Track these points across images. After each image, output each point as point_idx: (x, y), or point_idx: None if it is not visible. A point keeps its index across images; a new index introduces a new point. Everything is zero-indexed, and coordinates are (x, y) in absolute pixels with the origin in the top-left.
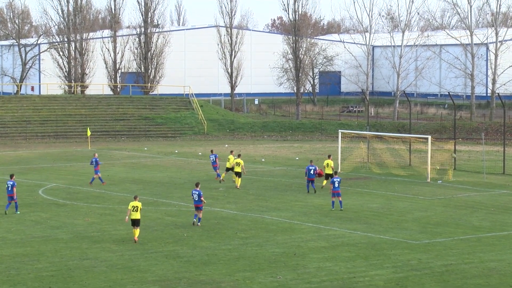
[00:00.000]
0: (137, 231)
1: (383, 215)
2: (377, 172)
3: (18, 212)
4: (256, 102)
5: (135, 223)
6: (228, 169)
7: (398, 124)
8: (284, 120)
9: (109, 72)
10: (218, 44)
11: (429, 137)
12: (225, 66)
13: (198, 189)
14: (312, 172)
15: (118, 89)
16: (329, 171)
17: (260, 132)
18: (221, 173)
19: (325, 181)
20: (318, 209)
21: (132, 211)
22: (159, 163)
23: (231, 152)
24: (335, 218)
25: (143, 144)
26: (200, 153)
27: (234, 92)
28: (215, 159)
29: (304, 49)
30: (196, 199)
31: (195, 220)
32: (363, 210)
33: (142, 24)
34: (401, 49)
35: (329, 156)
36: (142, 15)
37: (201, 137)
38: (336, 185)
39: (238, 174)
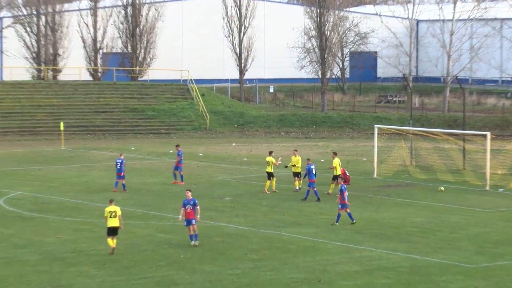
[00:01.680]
0: (114, 242)
1: (430, 231)
2: (422, 178)
3: None
4: (271, 90)
5: (114, 231)
6: (269, 175)
7: (448, 117)
8: (306, 112)
9: (88, 53)
10: (223, 18)
11: (488, 134)
12: (233, 45)
13: (190, 197)
14: (314, 172)
15: (99, 74)
16: (337, 172)
17: (276, 127)
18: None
19: (332, 185)
20: (348, 223)
21: (110, 217)
22: (150, 166)
23: (270, 153)
24: (370, 235)
25: (130, 142)
26: (201, 154)
27: (244, 77)
28: (181, 159)
29: (331, 24)
30: (189, 210)
31: (193, 242)
32: (404, 225)
33: None
34: (452, 24)
35: (334, 154)
36: None
37: (202, 133)
38: (339, 193)
39: (269, 175)
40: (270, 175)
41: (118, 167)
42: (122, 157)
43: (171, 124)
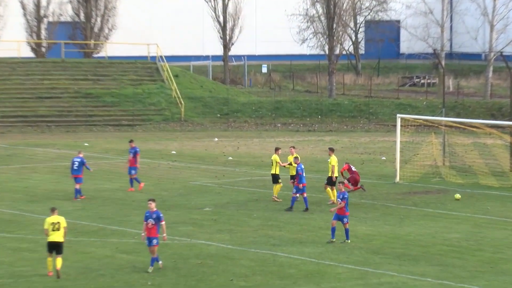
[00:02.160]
0: (58, 261)
1: (468, 251)
2: (457, 182)
3: None
4: (265, 69)
5: (56, 248)
6: (275, 178)
7: (491, 105)
8: (309, 98)
9: (29, 23)
10: None
11: None
12: (215, 12)
13: (153, 209)
14: (303, 174)
15: (44, 49)
16: (335, 173)
17: (270, 118)
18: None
19: (329, 191)
20: (363, 241)
21: (52, 230)
22: (109, 168)
23: (276, 150)
24: (391, 256)
25: (82, 137)
26: (173, 152)
27: (229, 54)
28: (135, 155)
29: None
30: (150, 225)
31: (159, 262)
32: (436, 243)
33: None
34: None
35: (331, 151)
36: None
37: (175, 125)
38: (339, 203)
39: (275, 179)
40: (275, 179)
41: (76, 167)
42: (81, 155)
43: (136, 113)
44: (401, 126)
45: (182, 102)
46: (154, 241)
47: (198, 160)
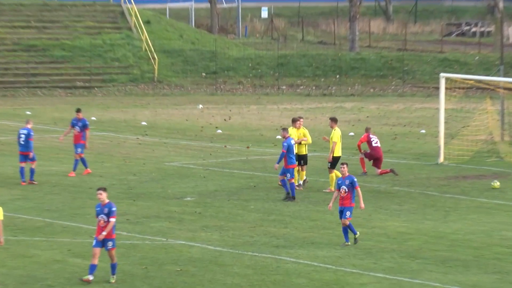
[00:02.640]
0: None
1: None
2: None
3: None
4: (265, 14)
5: None
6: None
7: None
8: (324, 52)
9: None
10: None
11: None
12: None
13: (105, 201)
14: (293, 151)
15: None
16: (336, 153)
17: (272, 78)
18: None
19: (332, 175)
20: (395, 241)
21: None
22: (58, 145)
23: (294, 121)
24: (433, 260)
25: (24, 102)
26: (144, 123)
27: None
28: (83, 129)
29: None
30: (102, 223)
31: (112, 276)
32: (492, 244)
33: None
34: None
35: (333, 121)
36: None
37: (147, 88)
38: (344, 192)
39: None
40: (300, 159)
41: (23, 141)
42: (29, 126)
43: (94, 72)
44: (445, 89)
45: (156, 57)
46: (110, 244)
47: (176, 134)
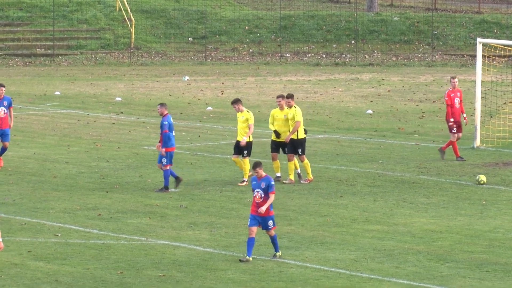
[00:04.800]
0: None
1: None
2: None
3: None
4: None
5: None
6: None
7: None
8: (337, 12)
9: None
10: None
11: None
12: None
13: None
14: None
15: None
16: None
17: (273, 44)
18: None
19: (292, 165)
20: (422, 241)
21: None
22: (14, 125)
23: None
24: (467, 264)
25: None
26: (118, 98)
27: None
28: (7, 108)
29: None
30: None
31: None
32: None
33: None
34: None
35: (289, 99)
36: None
37: (121, 56)
38: (259, 197)
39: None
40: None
41: None
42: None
43: (58, 36)
44: (483, 57)
45: (132, 18)
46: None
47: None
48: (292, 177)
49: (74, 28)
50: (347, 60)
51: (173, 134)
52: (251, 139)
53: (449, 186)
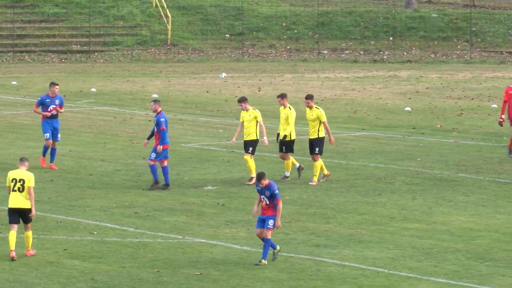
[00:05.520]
0: (29, 237)
1: None
2: None
3: None
4: None
5: (20, 216)
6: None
7: None
8: (375, 9)
9: None
10: None
11: None
12: None
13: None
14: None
15: None
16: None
17: (311, 40)
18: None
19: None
20: (461, 239)
21: (13, 190)
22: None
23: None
24: (504, 262)
25: (8, 70)
26: (155, 95)
27: None
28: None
29: None
30: (264, 205)
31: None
32: None
33: None
34: None
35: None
36: None
37: (157, 52)
38: (265, 204)
39: (286, 147)
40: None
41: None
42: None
43: (95, 33)
44: None
45: (169, 14)
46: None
47: (194, 109)
48: (316, 178)
49: (110, 24)
50: (385, 57)
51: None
52: (258, 137)
53: (488, 184)
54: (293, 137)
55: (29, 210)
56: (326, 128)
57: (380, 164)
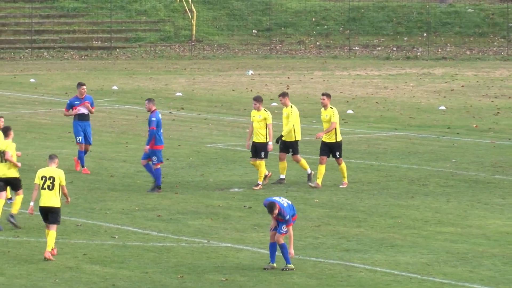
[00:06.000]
0: (51, 236)
1: None
2: None
3: None
4: None
5: (47, 214)
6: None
7: None
8: (408, 3)
9: None
10: None
11: None
12: None
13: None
14: (161, 127)
15: None
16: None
17: (341, 36)
18: None
19: (321, 168)
20: (497, 244)
21: (42, 187)
22: (71, 121)
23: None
24: None
25: (26, 67)
26: (179, 94)
27: None
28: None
29: None
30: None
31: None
32: None
33: None
34: None
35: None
36: None
37: (182, 49)
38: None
39: (285, 147)
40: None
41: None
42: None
43: (116, 28)
44: None
45: (194, 9)
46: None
47: (220, 108)
48: (346, 179)
49: (132, 19)
50: (419, 53)
51: (161, 131)
52: (268, 140)
53: None
54: (298, 137)
55: (59, 209)
56: (330, 127)
57: (413, 165)
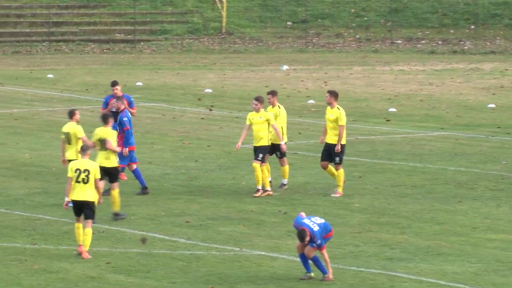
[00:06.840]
0: (87, 234)
1: None
2: None
3: None
4: None
5: (81, 209)
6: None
7: None
8: None
9: None
10: None
11: None
12: None
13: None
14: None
15: None
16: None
17: (383, 29)
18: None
19: (337, 172)
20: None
21: (77, 181)
22: (91, 119)
23: (271, 97)
24: None
25: (43, 62)
26: (208, 90)
27: None
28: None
29: None
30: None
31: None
32: None
33: None
34: None
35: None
36: None
37: (212, 42)
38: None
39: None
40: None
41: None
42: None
43: (140, 20)
44: None
45: (225, 1)
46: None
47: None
48: (340, 189)
49: (157, 10)
50: (466, 47)
51: (132, 131)
52: (269, 143)
53: None
54: (285, 139)
55: (93, 203)
56: (340, 133)
57: (460, 167)
